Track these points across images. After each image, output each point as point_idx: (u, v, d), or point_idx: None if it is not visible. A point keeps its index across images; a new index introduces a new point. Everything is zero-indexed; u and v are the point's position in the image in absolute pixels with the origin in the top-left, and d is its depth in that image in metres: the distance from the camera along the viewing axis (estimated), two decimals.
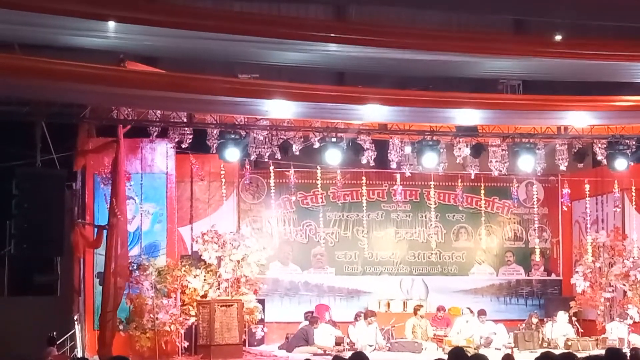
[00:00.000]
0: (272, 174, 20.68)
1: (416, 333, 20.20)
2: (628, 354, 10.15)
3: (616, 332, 20.04)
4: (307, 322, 20.30)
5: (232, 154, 18.42)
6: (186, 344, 19.09)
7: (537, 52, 14.23)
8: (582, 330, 20.72)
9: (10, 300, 20.27)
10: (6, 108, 16.46)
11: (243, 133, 18.49)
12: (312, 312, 20.84)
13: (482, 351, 17.95)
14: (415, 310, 20.64)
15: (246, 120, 18.21)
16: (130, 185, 18.97)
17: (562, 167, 19.69)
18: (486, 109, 16.74)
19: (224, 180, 20.62)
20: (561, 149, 19.39)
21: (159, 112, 17.86)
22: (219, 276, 19.73)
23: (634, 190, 21.47)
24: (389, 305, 21.85)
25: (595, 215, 22.66)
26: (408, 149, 19.27)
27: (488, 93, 17.13)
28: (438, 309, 21.25)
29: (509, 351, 18.46)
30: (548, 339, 20.02)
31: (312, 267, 22.63)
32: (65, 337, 18.81)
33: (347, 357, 9.57)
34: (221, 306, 18.96)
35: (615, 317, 20.67)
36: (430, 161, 18.97)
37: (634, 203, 21.55)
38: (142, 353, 18.35)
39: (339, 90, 16.53)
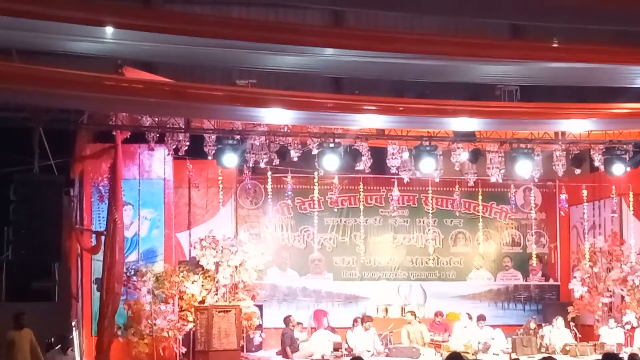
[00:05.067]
0: (269, 180, 20.70)
1: (412, 339, 20.19)
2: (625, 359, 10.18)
3: (608, 337, 20.09)
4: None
5: (230, 159, 18.39)
6: (184, 349, 19.07)
7: (534, 56, 14.24)
8: (580, 336, 20.73)
9: (8, 306, 20.25)
10: (4, 114, 16.51)
11: (241, 138, 18.49)
12: (289, 316, 20.70)
13: (480, 357, 18.03)
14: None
15: (244, 126, 18.23)
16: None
17: (560, 173, 19.69)
18: (483, 117, 16.78)
19: (221, 186, 20.65)
20: (559, 155, 19.39)
21: (156, 118, 17.88)
22: (217, 282, 19.73)
23: (631, 196, 21.49)
24: (387, 310, 21.85)
25: (593, 221, 22.69)
26: (406, 155, 19.27)
27: (485, 99, 17.15)
28: (436, 314, 21.24)
29: (507, 357, 18.52)
30: (546, 344, 20.02)
31: (310, 272, 22.63)
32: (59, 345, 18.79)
33: None
34: (219, 312, 18.95)
35: (607, 322, 20.68)
36: (428, 166, 18.96)
37: (631, 208, 21.57)
38: (139, 359, 18.35)
39: (336, 98, 16.56)
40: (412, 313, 20.76)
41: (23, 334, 16.05)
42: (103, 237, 18.00)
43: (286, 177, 20.44)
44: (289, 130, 18.32)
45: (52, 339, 18.16)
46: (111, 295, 17.78)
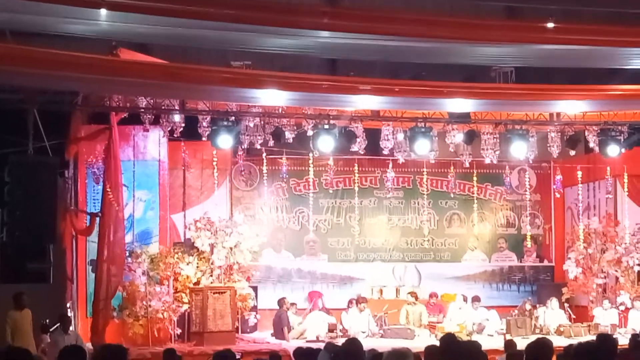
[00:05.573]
0: (264, 161, 20.67)
1: (410, 319, 20.24)
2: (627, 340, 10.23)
3: (602, 318, 20.15)
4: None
5: (225, 141, 18.32)
6: (179, 330, 19.11)
7: (529, 38, 14.22)
8: (574, 317, 20.79)
9: (2, 288, 20.20)
10: None
11: (235, 120, 18.43)
12: (283, 298, 20.80)
13: (474, 337, 18.05)
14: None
15: (238, 107, 18.18)
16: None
17: (555, 154, 19.67)
18: (479, 98, 16.77)
19: (216, 167, 20.61)
20: (553, 136, 19.37)
21: (151, 99, 17.82)
22: (212, 263, 19.76)
23: (626, 177, 21.52)
24: (381, 292, 21.88)
25: (587, 202, 22.73)
26: (401, 136, 19.24)
27: (481, 81, 17.14)
28: (430, 296, 21.29)
29: (502, 338, 18.56)
30: (540, 325, 20.08)
31: (305, 254, 22.65)
32: (58, 324, 18.78)
33: (339, 344, 9.59)
34: (214, 293, 18.99)
35: (601, 303, 20.75)
36: (423, 148, 18.92)
37: (625, 189, 21.60)
38: (134, 340, 18.36)
39: (331, 79, 16.52)
40: (414, 294, 20.76)
41: (24, 314, 16.01)
42: (98, 219, 18.01)
43: (281, 158, 20.45)
44: (283, 112, 18.28)
45: (47, 320, 18.11)
46: (106, 277, 17.79)
